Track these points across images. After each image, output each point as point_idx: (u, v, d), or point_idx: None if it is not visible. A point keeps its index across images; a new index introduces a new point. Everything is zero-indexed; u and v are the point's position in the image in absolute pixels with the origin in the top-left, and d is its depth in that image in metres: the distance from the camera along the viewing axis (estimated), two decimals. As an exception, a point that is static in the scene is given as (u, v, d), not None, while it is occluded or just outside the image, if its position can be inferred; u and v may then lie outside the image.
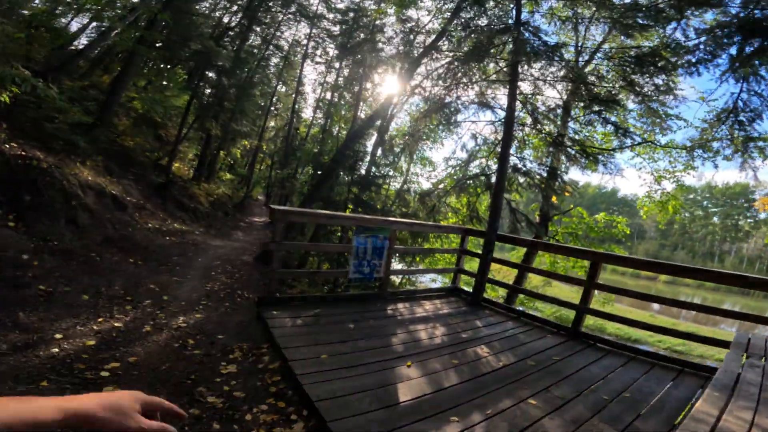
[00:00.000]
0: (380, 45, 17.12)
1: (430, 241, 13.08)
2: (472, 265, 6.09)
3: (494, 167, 8.95)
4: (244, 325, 4.49)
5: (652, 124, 9.15)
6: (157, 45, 16.51)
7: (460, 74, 7.79)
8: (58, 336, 3.71)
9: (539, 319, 5.54)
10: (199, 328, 4.31)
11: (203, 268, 7.42)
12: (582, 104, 7.03)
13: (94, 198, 7.52)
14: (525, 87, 7.61)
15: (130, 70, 9.77)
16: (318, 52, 22.35)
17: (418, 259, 12.29)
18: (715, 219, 72.29)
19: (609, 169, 6.31)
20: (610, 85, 6.71)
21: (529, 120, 7.92)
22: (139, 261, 6.59)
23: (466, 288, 6.62)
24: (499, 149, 8.03)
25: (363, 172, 10.28)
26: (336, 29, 19.15)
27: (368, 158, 11.21)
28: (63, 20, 13.68)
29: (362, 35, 16.51)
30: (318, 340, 3.84)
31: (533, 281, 18.05)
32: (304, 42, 22.47)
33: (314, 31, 21.10)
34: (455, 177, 11.93)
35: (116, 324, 4.23)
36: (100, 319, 4.26)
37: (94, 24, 12.99)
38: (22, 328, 3.61)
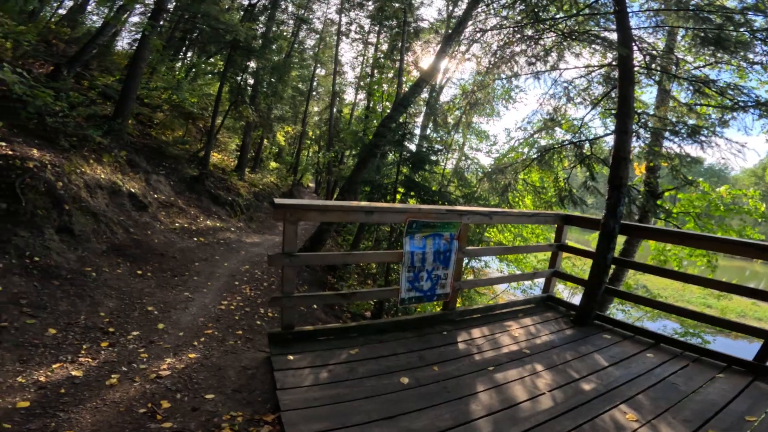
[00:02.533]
0: (418, 12, 15.15)
1: (493, 232, 11.17)
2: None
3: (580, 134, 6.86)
4: (249, 373, 3.06)
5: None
6: (193, 36, 15.84)
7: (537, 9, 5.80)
8: (-16, 393, 2.55)
9: (691, 346, 3.64)
10: (186, 380, 2.94)
11: (227, 276, 6.22)
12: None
13: (106, 198, 6.55)
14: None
15: (143, 54, 8.74)
16: (353, 28, 20.84)
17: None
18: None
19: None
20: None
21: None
22: (148, 273, 5.48)
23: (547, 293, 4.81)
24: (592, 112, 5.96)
25: (413, 148, 8.58)
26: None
27: (418, 131, 9.54)
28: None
29: (396, 4, 14.63)
30: (349, 416, 2.30)
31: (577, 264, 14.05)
32: (336, 18, 21.04)
33: (345, 5, 19.49)
34: (521, 150, 9.84)
35: (74, 372, 3.00)
36: (56, 365, 3.06)
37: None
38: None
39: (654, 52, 5.47)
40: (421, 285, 3.46)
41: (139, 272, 5.40)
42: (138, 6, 10.99)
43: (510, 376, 2.96)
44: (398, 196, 8.95)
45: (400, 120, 8.28)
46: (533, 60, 5.99)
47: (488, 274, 13.84)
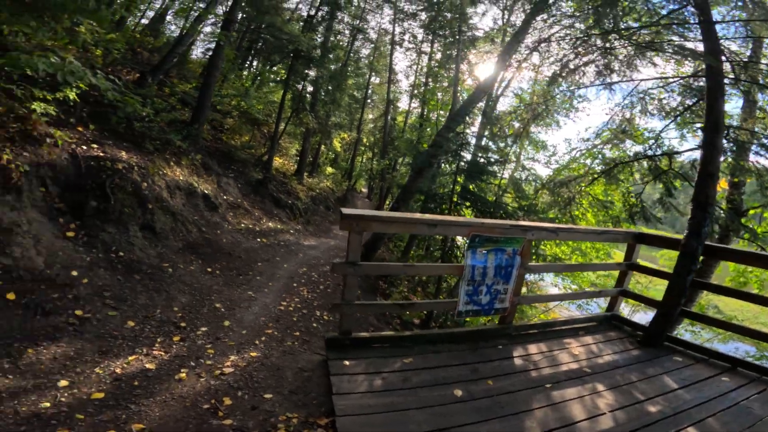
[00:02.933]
0: (472, 21, 14.96)
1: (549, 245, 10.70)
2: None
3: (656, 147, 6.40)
4: (305, 375, 3.18)
5: None
6: (258, 46, 16.82)
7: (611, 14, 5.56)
8: (62, 383, 2.80)
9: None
10: (247, 378, 3.11)
11: (286, 277, 6.50)
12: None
13: (183, 199, 7.12)
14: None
15: (217, 62, 9.43)
16: (406, 38, 21.07)
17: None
18: None
19: None
20: None
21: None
22: (217, 271, 5.87)
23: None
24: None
25: (468, 158, 8.47)
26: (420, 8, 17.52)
27: (473, 141, 9.34)
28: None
29: (449, 14, 14.54)
30: (402, 425, 2.33)
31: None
32: (390, 28, 21.40)
33: (398, 15, 19.75)
34: (584, 161, 9.37)
35: (148, 365, 3.26)
36: (132, 357, 3.34)
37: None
38: (21, 371, 2.78)
39: (742, 61, 5.02)
40: (480, 299, 3.41)
41: (209, 270, 5.80)
42: (210, 17, 11.90)
43: (568, 395, 2.84)
44: (453, 207, 8.87)
45: (457, 130, 8.22)
46: (605, 71, 5.70)
47: (541, 287, 13.29)
